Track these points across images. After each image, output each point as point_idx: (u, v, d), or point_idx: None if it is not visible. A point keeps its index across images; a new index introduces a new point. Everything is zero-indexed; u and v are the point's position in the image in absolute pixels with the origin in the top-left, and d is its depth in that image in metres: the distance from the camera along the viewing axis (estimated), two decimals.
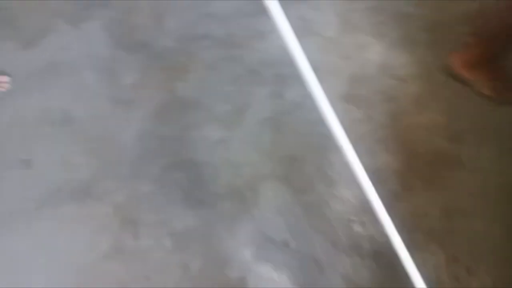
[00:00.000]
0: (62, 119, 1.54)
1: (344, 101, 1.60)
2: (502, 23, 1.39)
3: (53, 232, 1.27)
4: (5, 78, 1.57)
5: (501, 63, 1.58)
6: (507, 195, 1.31)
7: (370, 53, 1.72)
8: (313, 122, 1.51)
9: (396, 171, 1.42)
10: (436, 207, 1.30)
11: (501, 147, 1.41)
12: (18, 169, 1.41)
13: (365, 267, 1.19)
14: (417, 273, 0.87)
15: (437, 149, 1.46)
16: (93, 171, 1.40)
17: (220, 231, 1.27)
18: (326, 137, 1.48)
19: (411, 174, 1.42)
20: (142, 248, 1.24)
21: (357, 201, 1.31)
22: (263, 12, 1.36)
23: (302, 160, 1.44)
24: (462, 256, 1.20)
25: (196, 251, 1.23)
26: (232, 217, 1.29)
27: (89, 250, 1.23)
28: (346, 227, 1.27)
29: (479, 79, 1.57)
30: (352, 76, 1.66)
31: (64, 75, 1.65)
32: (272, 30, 1.53)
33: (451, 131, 1.50)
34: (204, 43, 1.73)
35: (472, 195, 1.32)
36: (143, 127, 1.51)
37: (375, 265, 1.19)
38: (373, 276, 1.18)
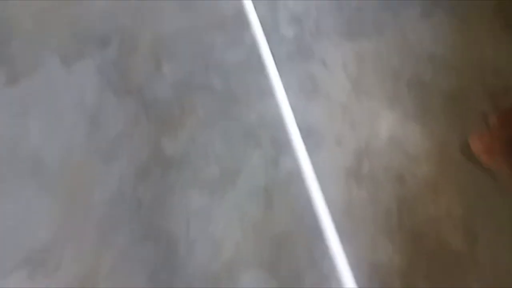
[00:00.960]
0: (31, 165, 1.40)
1: (348, 176, 1.44)
2: None
3: None
4: None
5: None
6: None
7: (381, 123, 1.57)
8: (309, 199, 1.35)
9: (400, 268, 1.23)
10: None
11: None
12: None
13: None
14: None
15: (449, 247, 1.27)
16: (53, 233, 1.24)
17: None
18: (322, 219, 1.32)
19: (417, 274, 1.22)
20: None
21: None
22: (265, 68, 1.21)
23: (293, 244, 1.26)
24: None
25: None
26: None
27: None
28: None
29: (502, 167, 1.39)
30: (359, 148, 1.50)
31: (43, 117, 1.53)
32: (274, 89, 1.40)
33: (466, 226, 1.31)
34: (201, 95, 1.60)
35: None
36: (118, 187, 1.35)
37: None
38: None
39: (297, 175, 1.41)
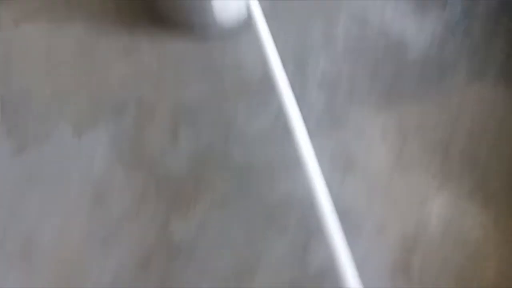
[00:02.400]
0: (22, 245, 1.24)
1: (394, 273, 1.17)
2: None
3: None
4: None
5: None
6: None
7: (430, 205, 1.32)
8: None
9: None
10: None
11: None
12: None
13: None
14: None
15: None
16: None
17: None
18: None
19: None
20: None
21: None
22: (293, 138, 1.03)
23: None
24: None
25: None
26: None
27: None
28: None
29: None
30: (404, 236, 1.25)
31: (45, 191, 1.41)
32: (303, 163, 1.19)
33: None
34: (219, 169, 1.44)
35: None
36: (115, 279, 1.15)
37: None
38: None
39: (330, 270, 1.15)
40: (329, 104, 1.57)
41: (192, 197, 1.36)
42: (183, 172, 1.44)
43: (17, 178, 1.46)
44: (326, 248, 1.19)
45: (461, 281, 1.15)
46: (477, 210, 1.30)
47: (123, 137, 1.55)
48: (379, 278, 1.16)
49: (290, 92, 1.57)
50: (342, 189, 1.36)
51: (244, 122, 1.55)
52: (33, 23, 1.97)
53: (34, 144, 1.55)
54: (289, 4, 1.94)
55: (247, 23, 1.74)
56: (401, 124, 1.50)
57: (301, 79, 1.64)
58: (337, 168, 1.40)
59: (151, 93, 1.67)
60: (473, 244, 1.24)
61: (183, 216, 1.31)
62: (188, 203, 1.34)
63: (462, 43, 1.70)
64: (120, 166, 1.47)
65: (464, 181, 1.36)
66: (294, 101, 1.55)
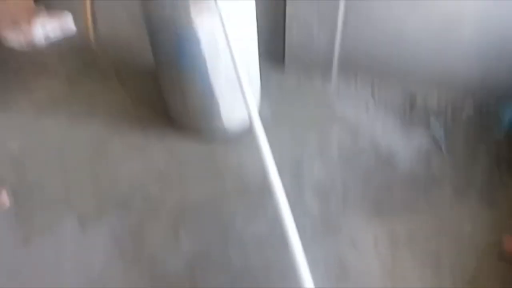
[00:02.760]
0: None
1: None
2: None
3: None
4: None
5: None
6: None
7: None
8: None
9: None
10: None
11: None
12: None
13: None
14: None
15: None
16: None
17: None
18: None
19: None
20: None
21: None
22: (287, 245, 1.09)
23: None
24: None
25: None
26: None
27: None
28: None
29: None
30: None
31: (40, 283, 1.42)
32: (295, 268, 1.23)
33: None
34: (216, 271, 1.47)
35: None
36: None
37: None
38: None
39: None
40: (323, 212, 1.66)
41: None
42: (180, 271, 1.47)
43: (21, 268, 1.49)
44: None
45: None
46: None
47: (126, 232, 1.61)
48: None
49: (285, 199, 1.67)
50: None
51: (243, 225, 1.62)
52: (53, 117, 2.16)
53: (39, 235, 1.60)
54: (288, 115, 2.15)
55: (250, 129, 1.91)
56: (392, 234, 1.57)
57: (297, 186, 1.75)
58: (331, 277, 1.44)
59: (156, 191, 1.77)
60: None
61: None
62: None
63: (446, 159, 1.85)
64: (120, 261, 1.50)
65: None
66: (289, 208, 1.64)
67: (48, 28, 2.87)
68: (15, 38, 2.79)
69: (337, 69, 2.36)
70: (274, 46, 2.41)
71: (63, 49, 2.75)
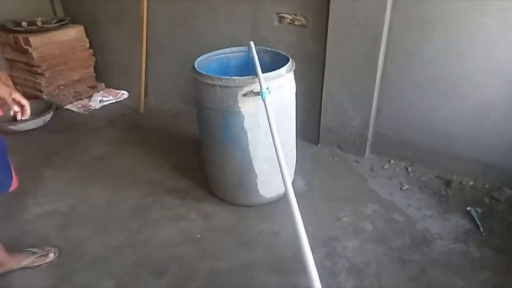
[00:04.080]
0: None
1: None
2: None
3: None
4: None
5: None
6: None
7: None
8: None
9: None
10: None
11: None
12: None
13: None
14: None
15: None
16: None
17: None
18: None
19: None
20: None
21: None
22: None
23: None
24: None
25: None
26: None
27: None
28: None
29: None
30: None
31: None
32: None
33: None
34: None
35: None
36: None
37: None
38: None
39: None
40: None
41: None
42: None
43: None
44: None
45: None
46: None
47: None
48: None
49: (318, 275, 1.69)
50: None
51: None
52: (100, 182, 2.35)
53: None
54: (322, 185, 2.23)
55: (286, 201, 1.99)
56: None
57: (331, 262, 1.77)
58: None
59: (191, 259, 1.83)
60: None
61: None
62: None
63: (485, 240, 1.83)
64: None
65: None
66: (323, 284, 1.65)
67: (104, 99, 3.25)
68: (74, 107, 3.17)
69: (370, 149, 2.48)
70: (310, 126, 2.58)
71: (115, 120, 3.06)
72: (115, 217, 2.11)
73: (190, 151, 2.56)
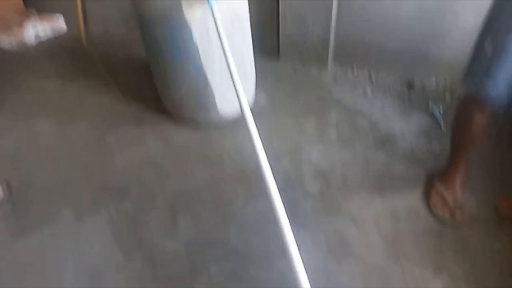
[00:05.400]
0: None
1: None
2: None
3: None
4: None
5: None
6: None
7: None
8: None
9: None
10: None
11: None
12: None
13: None
14: None
15: None
16: None
17: None
18: None
19: None
20: None
21: None
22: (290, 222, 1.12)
23: None
24: None
25: None
26: None
27: None
28: None
29: None
30: None
31: (39, 278, 1.45)
32: (293, 248, 1.26)
33: None
34: (216, 252, 1.50)
35: None
36: None
37: None
38: None
39: None
40: (323, 193, 1.69)
41: (188, 280, 1.40)
42: (179, 255, 1.50)
43: (17, 261, 1.52)
44: None
45: None
46: None
47: (122, 222, 1.64)
48: None
49: (285, 181, 1.71)
50: (337, 274, 1.41)
51: (241, 207, 1.66)
52: (46, 115, 2.21)
53: (36, 227, 1.63)
54: (285, 103, 2.20)
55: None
56: (393, 212, 1.60)
57: (297, 170, 1.79)
58: (332, 254, 1.47)
59: (153, 180, 1.80)
60: None
61: None
62: (184, 286, 1.38)
63: (445, 135, 1.89)
64: (118, 250, 1.53)
65: (459, 269, 1.41)
66: (290, 189, 1.68)
67: (39, 29, 2.95)
68: (6, 40, 2.87)
69: (333, 57, 2.43)
70: (269, 38, 2.48)
71: (54, 49, 2.82)
72: (67, 148, 2.01)
73: (142, 76, 2.42)
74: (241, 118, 2.00)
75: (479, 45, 1.32)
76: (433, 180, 1.66)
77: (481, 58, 1.29)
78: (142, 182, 1.79)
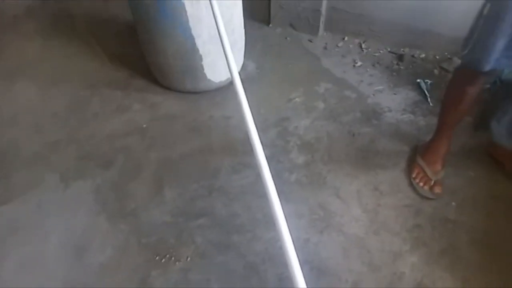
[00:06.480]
0: None
1: None
2: None
3: None
4: None
5: None
6: None
7: (403, 264, 1.43)
8: None
9: None
10: None
11: None
12: None
13: None
14: None
15: None
16: None
17: None
18: None
19: None
20: None
21: None
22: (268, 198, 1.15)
23: None
24: None
25: None
26: None
27: None
28: None
29: None
30: None
31: (25, 243, 1.48)
32: (280, 219, 1.30)
33: None
34: (201, 222, 1.54)
35: None
36: None
37: None
38: None
39: None
40: (308, 164, 1.73)
41: (173, 249, 1.45)
42: (165, 224, 1.54)
43: (0, 228, 1.53)
44: None
45: None
46: (446, 275, 1.40)
47: (108, 189, 1.66)
48: None
49: (271, 153, 1.73)
50: (319, 245, 1.47)
51: (228, 177, 1.68)
52: (26, 79, 2.15)
53: (20, 194, 1.64)
54: (274, 71, 2.18)
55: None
56: (375, 187, 1.65)
57: (283, 140, 1.81)
58: (314, 225, 1.52)
59: (138, 148, 1.80)
60: None
61: (163, 268, 1.39)
62: (169, 255, 1.43)
63: (432, 109, 1.92)
64: (104, 218, 1.56)
65: (436, 244, 1.48)
66: (276, 161, 1.71)
67: None
68: None
69: (324, 26, 2.39)
70: (260, 4, 2.42)
71: (35, 8, 2.69)
72: (50, 113, 1.98)
73: (128, 39, 2.35)
74: (230, 86, 2.02)
75: (478, 14, 1.30)
76: (416, 155, 1.70)
77: (480, 28, 1.28)
78: (127, 150, 1.79)
